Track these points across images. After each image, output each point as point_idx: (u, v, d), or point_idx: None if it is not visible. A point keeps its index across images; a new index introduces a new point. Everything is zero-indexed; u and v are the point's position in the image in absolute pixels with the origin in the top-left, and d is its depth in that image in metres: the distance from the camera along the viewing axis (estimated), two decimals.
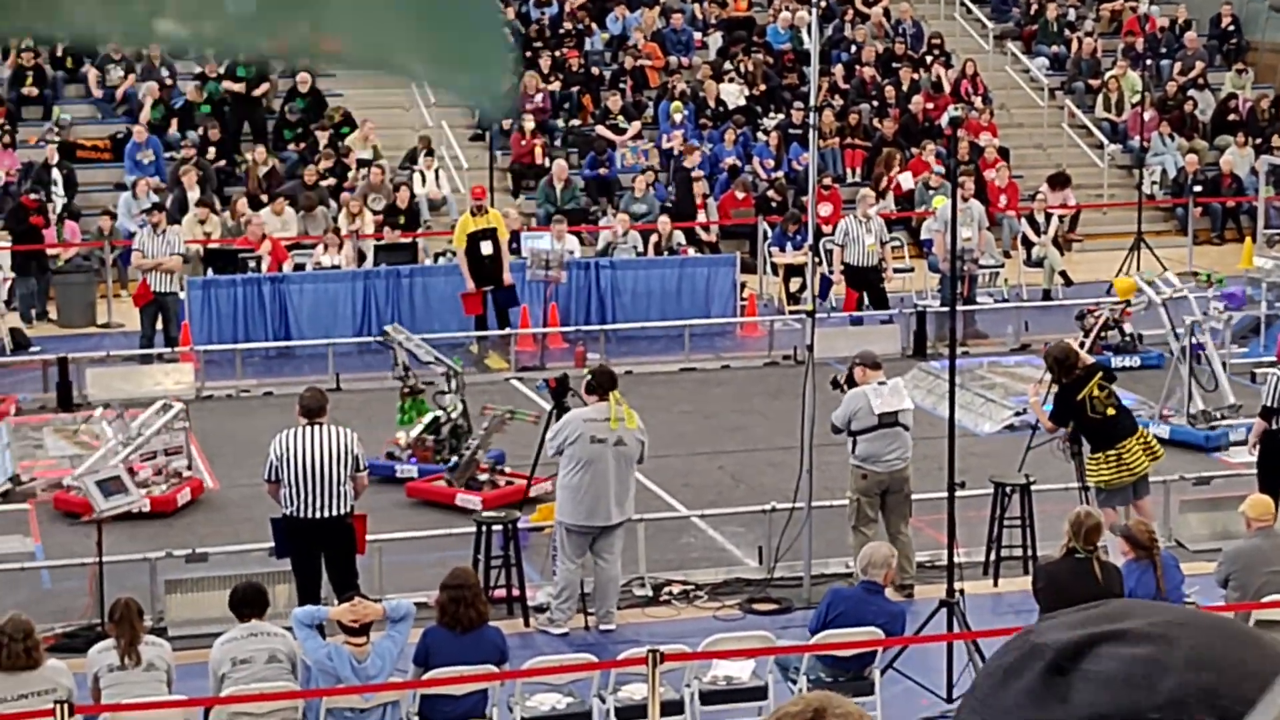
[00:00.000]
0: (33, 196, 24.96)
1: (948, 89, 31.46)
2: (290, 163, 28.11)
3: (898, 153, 29.41)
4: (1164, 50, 33.64)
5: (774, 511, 15.08)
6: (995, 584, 14.90)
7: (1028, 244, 26.30)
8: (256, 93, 29.31)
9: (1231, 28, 34.53)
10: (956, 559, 13.24)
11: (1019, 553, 15.02)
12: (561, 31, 31.69)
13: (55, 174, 26.43)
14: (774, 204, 27.44)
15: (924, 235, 26.28)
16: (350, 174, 27.65)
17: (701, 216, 27.57)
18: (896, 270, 25.05)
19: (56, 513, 16.70)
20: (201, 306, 22.46)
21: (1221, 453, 18.31)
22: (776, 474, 16.73)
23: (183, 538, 15.60)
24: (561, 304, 23.33)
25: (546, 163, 28.54)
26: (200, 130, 28.36)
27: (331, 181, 27.36)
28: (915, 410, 15.23)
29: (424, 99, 29.88)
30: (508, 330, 22.58)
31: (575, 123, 30.08)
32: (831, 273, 23.83)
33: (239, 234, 24.52)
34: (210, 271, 23.55)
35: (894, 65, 31.94)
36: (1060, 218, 27.12)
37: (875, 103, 31.02)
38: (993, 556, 15.03)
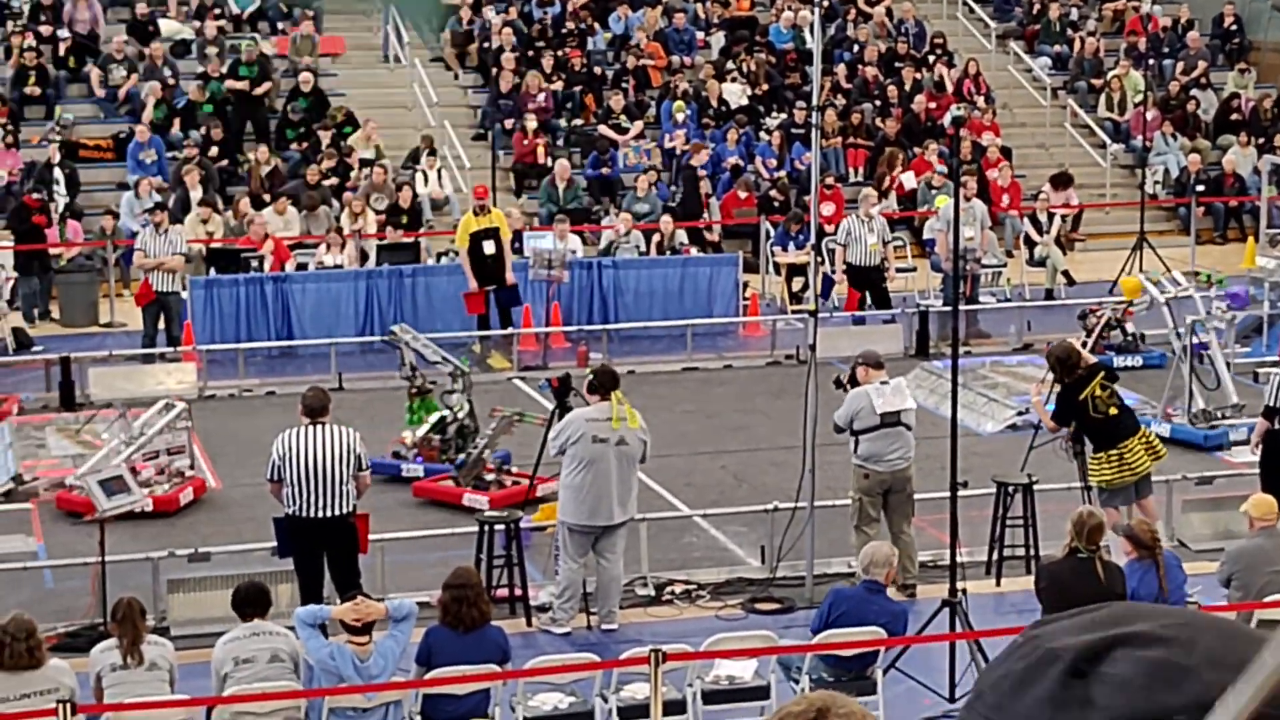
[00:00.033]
0: (35, 196, 24.96)
1: (950, 88, 31.46)
2: (293, 162, 28.12)
3: (900, 152, 29.41)
4: (1166, 50, 33.64)
5: (776, 511, 15.08)
6: (998, 584, 14.90)
7: (1030, 243, 26.30)
8: (258, 91, 29.31)
9: (1234, 27, 34.53)
10: (959, 559, 13.24)
11: (1021, 552, 15.01)
12: (564, 31, 31.68)
13: (57, 173, 26.42)
14: (776, 203, 27.44)
15: (926, 235, 26.29)
16: (353, 173, 27.65)
17: (705, 216, 27.58)
18: (899, 270, 25.06)
19: (59, 512, 16.70)
20: (204, 306, 22.46)
21: (1223, 452, 18.31)
22: (779, 473, 16.73)
23: (185, 537, 15.60)
24: (564, 303, 23.33)
25: (549, 162, 28.53)
26: (203, 130, 28.36)
27: (334, 181, 27.36)
28: (918, 410, 15.23)
29: (426, 99, 29.89)
30: (510, 330, 22.58)
31: (578, 122, 30.08)
32: (834, 272, 23.81)
33: (241, 234, 24.52)
34: (213, 271, 23.55)
35: (896, 65, 31.93)
36: (1063, 217, 27.10)
37: (878, 102, 31.02)
38: (995, 556, 15.02)
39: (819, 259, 16.84)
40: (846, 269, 23.75)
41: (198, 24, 30.95)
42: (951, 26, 33.92)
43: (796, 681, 12.01)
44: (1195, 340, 18.71)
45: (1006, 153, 29.79)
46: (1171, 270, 21.28)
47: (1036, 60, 33.35)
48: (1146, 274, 21.03)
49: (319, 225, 25.56)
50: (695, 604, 14.68)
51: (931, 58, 32.32)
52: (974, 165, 27.45)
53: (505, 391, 20.28)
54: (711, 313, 23.85)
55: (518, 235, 24.15)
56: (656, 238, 24.98)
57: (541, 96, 29.64)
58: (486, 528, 14.42)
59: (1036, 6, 34.47)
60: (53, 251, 24.98)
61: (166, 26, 31.03)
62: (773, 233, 25.86)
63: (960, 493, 13.38)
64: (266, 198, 26.40)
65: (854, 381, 14.95)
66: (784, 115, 30.31)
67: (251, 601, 11.57)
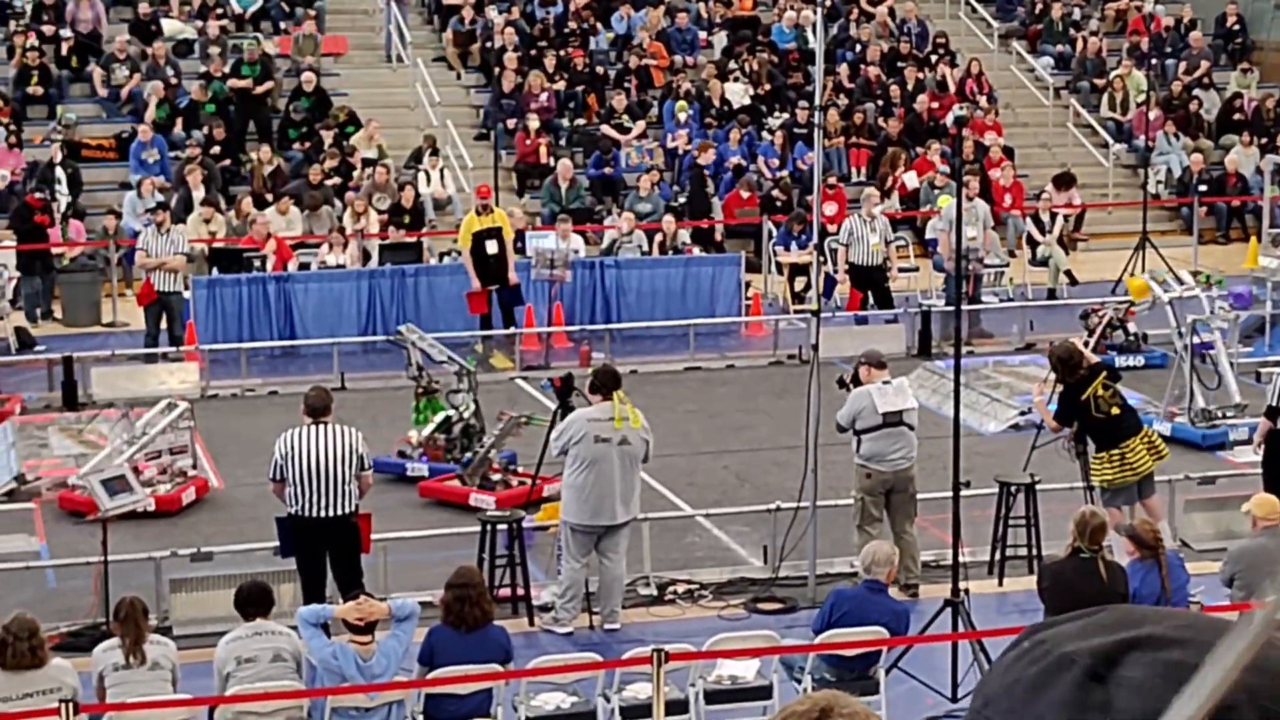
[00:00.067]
0: (38, 195, 24.97)
1: (953, 88, 31.46)
2: (295, 162, 28.12)
3: (903, 152, 29.41)
4: (1169, 49, 33.64)
5: (779, 511, 15.08)
6: (1000, 583, 14.89)
7: (1033, 243, 26.30)
8: (260, 90, 29.30)
9: (1237, 27, 34.52)
10: (961, 558, 13.23)
11: (1024, 552, 15.00)
12: (566, 31, 31.69)
13: (60, 173, 26.42)
14: (779, 203, 27.44)
15: (929, 234, 26.28)
16: (355, 173, 27.66)
17: (712, 215, 27.60)
18: (901, 270, 25.05)
19: (61, 512, 16.70)
20: (206, 306, 22.47)
21: (1225, 451, 18.31)
22: (781, 473, 16.73)
23: (187, 537, 15.61)
24: (566, 303, 23.34)
25: (551, 162, 28.54)
26: (205, 129, 28.37)
27: (336, 181, 27.37)
28: (920, 410, 15.22)
29: (429, 98, 29.89)
30: (513, 330, 22.58)
31: (580, 122, 30.09)
32: (836, 272, 23.82)
33: (244, 233, 24.52)
34: (215, 271, 23.55)
35: (899, 64, 31.94)
36: (1065, 217, 27.11)
37: (880, 102, 31.01)
38: (997, 556, 15.02)
39: (821, 259, 16.84)
40: (849, 269, 23.75)
41: (200, 23, 30.97)
42: (954, 26, 33.92)
43: (799, 681, 12.01)
44: (1197, 340, 18.70)
45: (1009, 152, 29.79)
46: (1177, 270, 21.25)
47: (1039, 60, 33.35)
48: (1151, 273, 21.00)
49: (321, 225, 25.56)
50: (698, 604, 14.68)
51: (934, 57, 32.32)
52: (976, 165, 27.44)
53: (507, 391, 20.28)
54: (714, 312, 23.85)
55: (520, 235, 24.14)
56: (659, 237, 24.98)
57: (544, 96, 29.64)
58: (489, 527, 14.41)
59: (1039, 6, 34.47)
60: (55, 251, 24.98)
61: (169, 26, 31.04)
62: (775, 232, 25.85)
63: (963, 492, 13.37)
64: (269, 197, 26.40)
65: (857, 381, 14.95)
66: (786, 115, 30.31)
67: (254, 601, 11.57)
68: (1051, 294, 25.29)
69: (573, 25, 31.81)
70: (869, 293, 23.90)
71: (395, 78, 31.22)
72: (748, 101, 30.58)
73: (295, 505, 13.46)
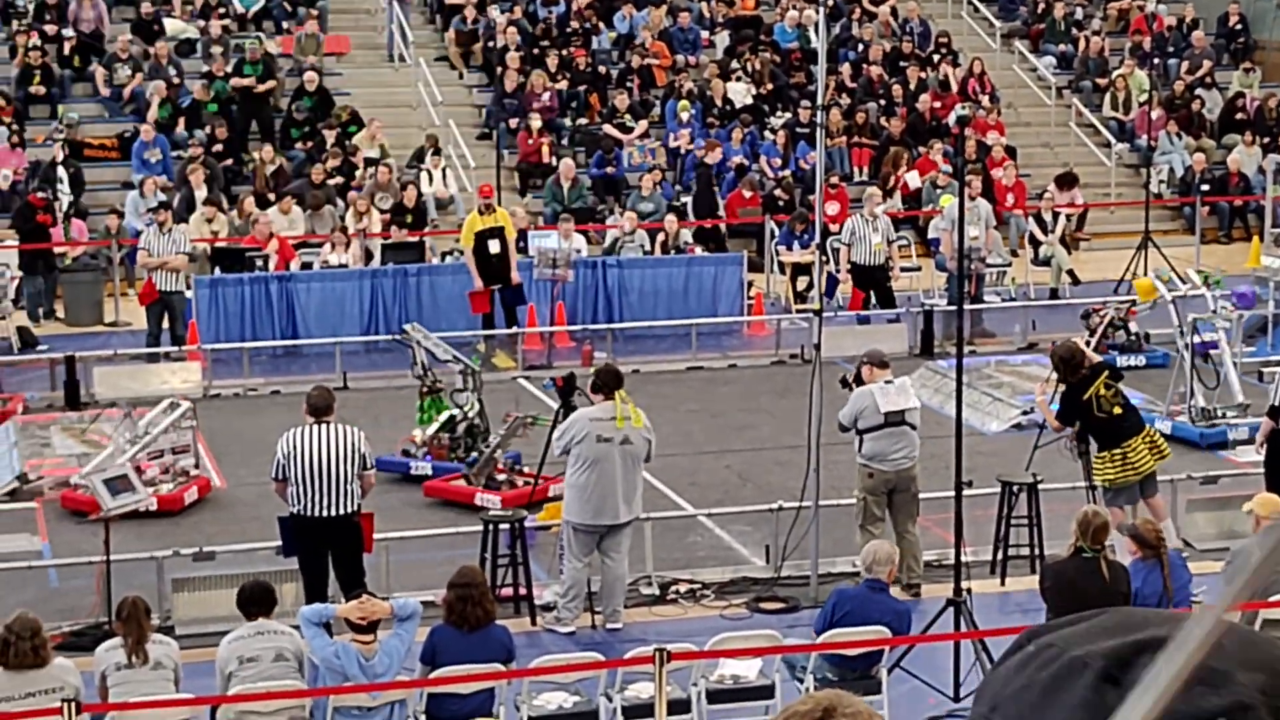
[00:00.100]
0: (40, 195, 24.97)
1: (955, 88, 31.46)
2: (297, 161, 28.13)
3: (905, 151, 29.41)
4: (1171, 49, 33.62)
5: (781, 510, 15.08)
6: (1002, 583, 14.88)
7: (1035, 243, 26.30)
8: (261, 88, 29.29)
9: (1239, 26, 34.52)
10: (963, 558, 13.23)
11: (1026, 552, 15.00)
12: (569, 30, 31.70)
13: (62, 173, 26.42)
14: (781, 203, 27.44)
15: (931, 234, 26.27)
16: (357, 173, 27.66)
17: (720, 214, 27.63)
18: (903, 269, 25.05)
19: (64, 511, 16.70)
20: (209, 305, 22.48)
21: (1228, 451, 18.30)
22: (784, 473, 16.73)
23: (190, 536, 15.61)
24: (568, 303, 23.34)
25: (553, 161, 28.55)
26: (207, 129, 28.38)
27: (339, 180, 27.37)
28: (922, 409, 15.22)
29: (431, 98, 29.90)
30: (515, 329, 22.58)
31: (582, 121, 30.09)
32: (838, 272, 23.82)
33: (246, 233, 24.52)
34: (217, 270, 23.55)
35: (901, 64, 31.94)
36: (1067, 217, 27.10)
37: (882, 101, 31.01)
38: (1000, 555, 15.01)
39: (824, 258, 16.85)
40: (851, 268, 23.75)
41: (202, 23, 30.97)
42: (956, 25, 33.92)
43: (801, 681, 12.01)
44: (1198, 339, 18.69)
45: (1011, 152, 29.78)
46: (1186, 270, 21.20)
47: (1041, 59, 33.35)
48: (1156, 273, 20.96)
49: (324, 224, 25.57)
50: (700, 603, 14.67)
51: (936, 57, 32.32)
52: (979, 164, 27.44)
53: (510, 391, 20.27)
54: (716, 312, 23.85)
55: (522, 235, 24.14)
56: (661, 237, 24.98)
57: (546, 96, 29.65)
58: (491, 527, 14.42)
59: (1041, 6, 34.47)
60: (57, 251, 24.99)
61: (171, 25, 31.05)
62: (777, 232, 25.85)
63: (965, 492, 13.37)
64: (271, 197, 26.41)
65: (859, 381, 14.95)
66: (789, 114, 30.31)
67: (256, 600, 11.57)
68: (1054, 294, 25.28)
69: (575, 25, 31.81)
70: (871, 292, 23.89)
71: (397, 77, 31.23)
72: (750, 101, 30.58)
73: (297, 505, 13.46)
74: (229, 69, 29.34)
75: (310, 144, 28.55)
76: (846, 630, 11.97)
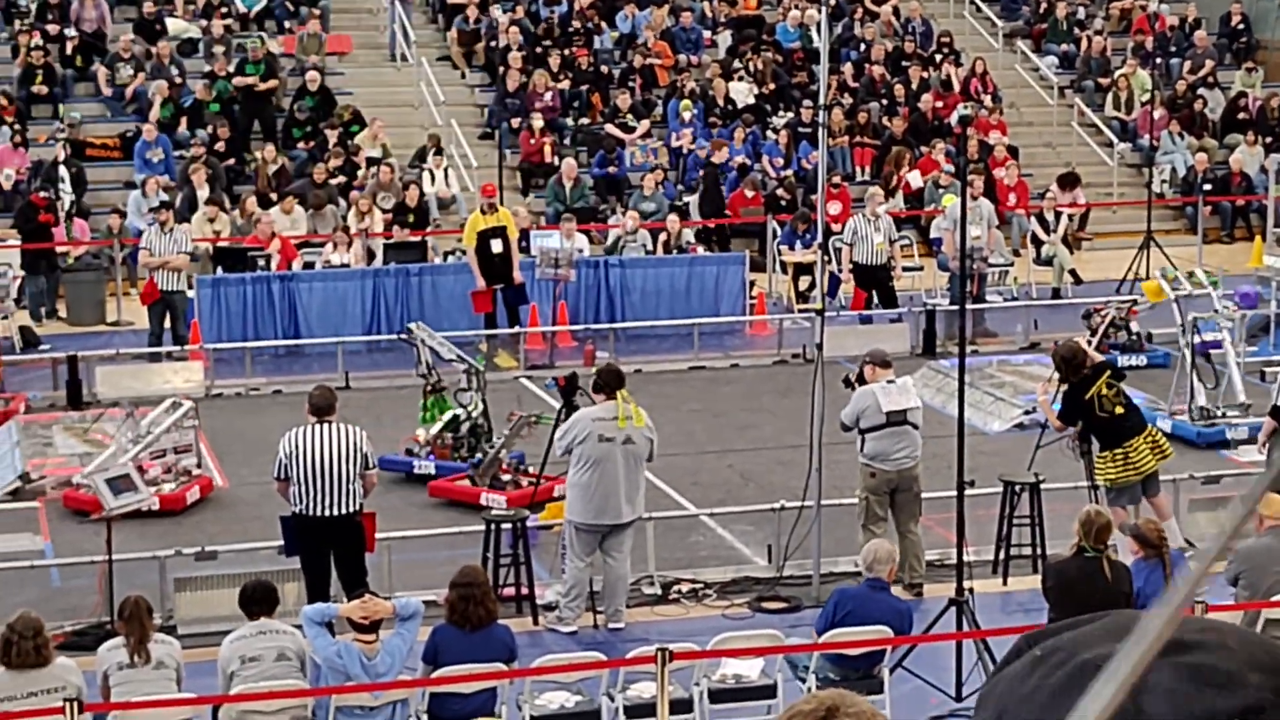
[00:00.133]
0: (42, 195, 24.98)
1: (957, 87, 31.45)
2: (299, 161, 28.13)
3: (907, 151, 29.40)
4: (1174, 49, 33.62)
5: (783, 510, 15.07)
6: (1004, 583, 14.89)
7: (1037, 242, 26.29)
8: (262, 87, 29.29)
9: (1241, 26, 34.51)
10: (966, 558, 13.22)
11: (1028, 551, 15.00)
12: (571, 30, 31.69)
13: (64, 172, 26.43)
14: (783, 202, 27.44)
15: (933, 234, 26.28)
16: (359, 172, 27.66)
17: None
18: (905, 269, 25.04)
19: (66, 511, 16.71)
20: (211, 305, 22.48)
21: (1229, 450, 18.29)
22: (786, 472, 16.73)
23: (192, 536, 15.61)
24: (571, 302, 23.34)
25: (555, 161, 28.54)
26: (210, 128, 28.38)
27: (341, 180, 27.37)
28: (924, 409, 15.22)
29: (433, 98, 29.90)
30: (517, 329, 22.57)
31: (584, 121, 30.09)
32: (840, 271, 23.81)
33: (248, 232, 24.53)
34: (220, 270, 23.56)
35: (903, 64, 31.93)
36: (1070, 216, 27.10)
37: (885, 101, 31.01)
38: (1002, 555, 15.01)
39: (826, 258, 16.84)
40: (853, 268, 23.74)
41: (204, 22, 30.98)
42: (958, 25, 33.91)
43: (803, 680, 12.00)
44: (1199, 339, 18.68)
45: (1013, 151, 29.78)
46: (1194, 270, 21.19)
47: (1043, 59, 33.34)
48: (1162, 271, 20.91)
49: (326, 224, 25.57)
50: (702, 603, 14.68)
51: (938, 56, 32.31)
52: (981, 164, 27.45)
53: (512, 390, 20.27)
54: (718, 312, 23.85)
55: (525, 234, 24.13)
56: (663, 237, 24.97)
57: (548, 95, 29.65)
58: (493, 526, 14.42)
59: (1044, 5, 34.46)
60: (60, 250, 24.99)
61: (173, 25, 31.06)
62: (779, 232, 25.85)
63: (967, 492, 13.36)
64: (273, 196, 26.41)
65: (862, 380, 14.95)
66: (791, 114, 30.32)
67: (258, 600, 11.57)
68: (1056, 293, 25.27)
69: (577, 24, 31.81)
70: (873, 292, 23.89)
71: (400, 77, 31.23)
72: (752, 101, 30.58)
73: (299, 504, 13.46)
74: (231, 68, 29.35)
75: (312, 143, 28.55)
76: (849, 630, 11.97)
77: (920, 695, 12.46)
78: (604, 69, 31.07)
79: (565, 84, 30.32)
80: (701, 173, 28.24)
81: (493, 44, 31.14)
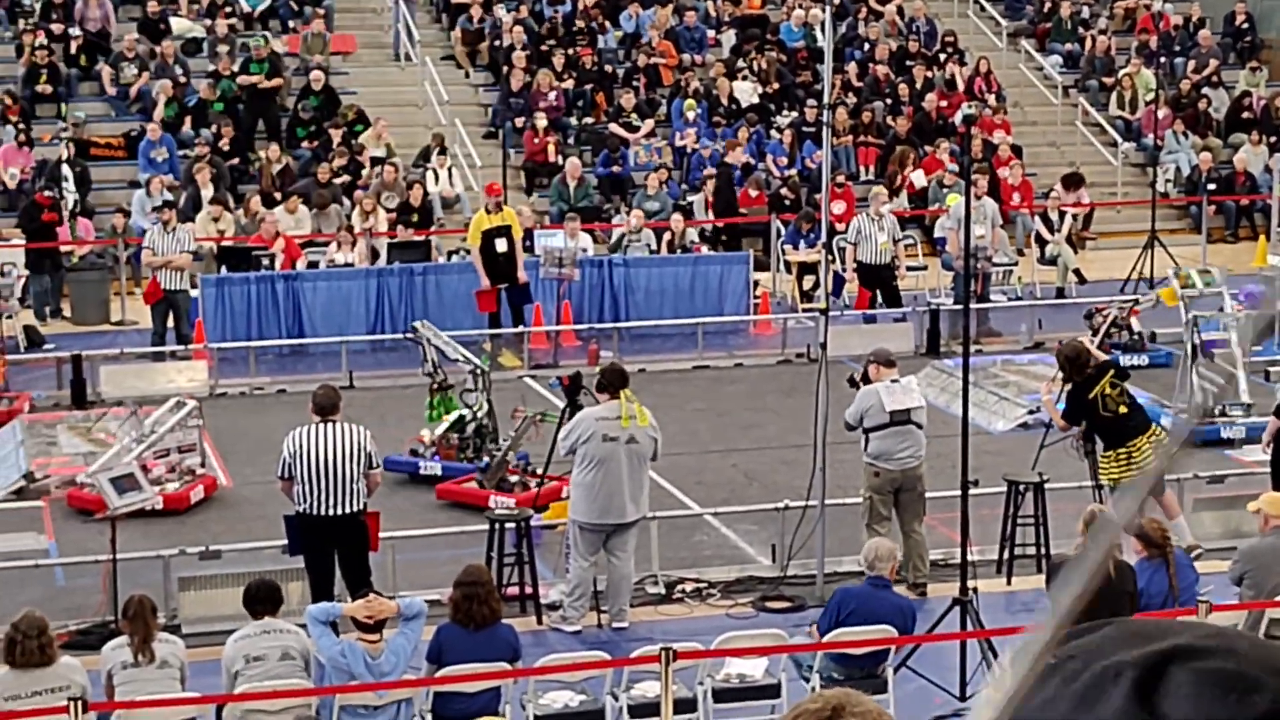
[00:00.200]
0: (46, 194, 24.97)
1: (961, 87, 31.44)
2: (304, 160, 28.13)
3: (911, 150, 29.39)
4: (1178, 48, 33.60)
5: (787, 509, 15.07)
6: (1008, 582, 14.88)
7: (1041, 242, 26.27)
8: (267, 87, 29.29)
9: (1245, 25, 34.49)
10: (970, 557, 13.22)
11: (1032, 551, 15.00)
12: (575, 29, 31.69)
13: (68, 171, 26.44)
14: (787, 202, 27.43)
15: (937, 233, 26.27)
16: (364, 172, 27.66)
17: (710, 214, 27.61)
18: (910, 268, 25.03)
19: (70, 510, 16.72)
20: (215, 304, 22.48)
21: (1233, 450, 18.28)
22: (790, 472, 16.73)
23: (196, 535, 15.62)
24: (575, 302, 23.34)
25: (560, 160, 28.54)
26: (214, 128, 28.39)
27: (345, 179, 27.37)
28: (928, 408, 15.22)
29: (437, 97, 29.91)
30: (521, 328, 22.58)
31: (588, 120, 30.09)
32: (844, 271, 23.81)
33: (252, 232, 24.53)
34: (224, 269, 23.57)
35: (908, 63, 31.92)
36: (1074, 216, 27.09)
37: (889, 100, 31.01)
38: (1006, 555, 15.01)
39: (830, 257, 16.83)
40: (857, 267, 23.74)
41: (209, 22, 30.98)
42: (963, 24, 33.91)
43: (807, 680, 12.00)
44: (1199, 338, 18.66)
45: (1018, 151, 29.77)
46: (1209, 270, 21.14)
47: (1048, 58, 33.33)
48: (1175, 271, 20.83)
49: (330, 223, 25.57)
50: (706, 602, 14.68)
51: (943, 56, 32.30)
52: (985, 163, 27.43)
53: (516, 390, 20.27)
54: (722, 311, 23.84)
55: (528, 233, 24.13)
56: (667, 236, 24.98)
57: (552, 95, 29.65)
58: (497, 526, 14.42)
59: (1048, 5, 34.45)
60: (64, 249, 25.01)
61: (177, 24, 31.06)
62: (784, 231, 25.84)
63: (971, 491, 13.36)
64: (277, 196, 26.41)
65: (866, 380, 14.95)
66: (795, 113, 30.32)
67: (262, 599, 11.58)
68: (1060, 293, 25.27)
69: (581, 24, 31.81)
70: (877, 291, 23.88)
71: (404, 76, 31.24)
72: (756, 100, 30.57)
73: (303, 503, 13.47)
74: (235, 68, 29.35)
75: (316, 143, 28.56)
76: (853, 629, 11.97)
77: (924, 695, 12.45)
78: (608, 68, 31.07)
79: (569, 83, 30.32)
80: (714, 172, 28.21)
81: (497, 43, 31.14)
